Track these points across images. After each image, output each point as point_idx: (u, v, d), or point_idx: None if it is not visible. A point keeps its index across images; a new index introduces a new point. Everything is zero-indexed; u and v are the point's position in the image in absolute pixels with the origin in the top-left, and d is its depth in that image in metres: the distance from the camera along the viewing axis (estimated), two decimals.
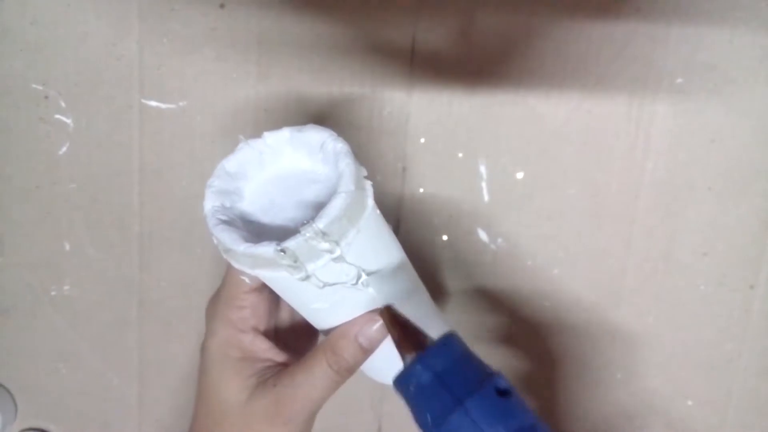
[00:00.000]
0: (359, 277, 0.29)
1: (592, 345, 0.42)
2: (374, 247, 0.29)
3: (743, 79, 0.39)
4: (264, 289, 0.33)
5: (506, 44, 0.39)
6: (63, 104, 0.41)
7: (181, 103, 0.41)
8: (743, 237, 0.40)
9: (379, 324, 0.30)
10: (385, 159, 0.40)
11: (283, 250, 0.26)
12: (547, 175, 0.40)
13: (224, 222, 0.29)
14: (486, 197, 0.41)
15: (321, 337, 0.33)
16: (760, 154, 0.39)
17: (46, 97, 0.41)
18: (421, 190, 0.41)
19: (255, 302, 0.32)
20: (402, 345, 0.29)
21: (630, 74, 0.39)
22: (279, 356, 0.32)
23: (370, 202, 0.29)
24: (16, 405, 0.46)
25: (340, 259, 0.27)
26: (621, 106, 0.39)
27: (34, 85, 0.41)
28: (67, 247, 0.43)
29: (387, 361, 0.34)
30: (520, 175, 0.40)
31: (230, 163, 0.30)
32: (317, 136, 0.29)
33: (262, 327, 0.33)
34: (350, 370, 0.31)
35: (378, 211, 0.29)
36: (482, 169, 0.40)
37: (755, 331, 0.41)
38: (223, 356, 0.32)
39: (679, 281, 0.41)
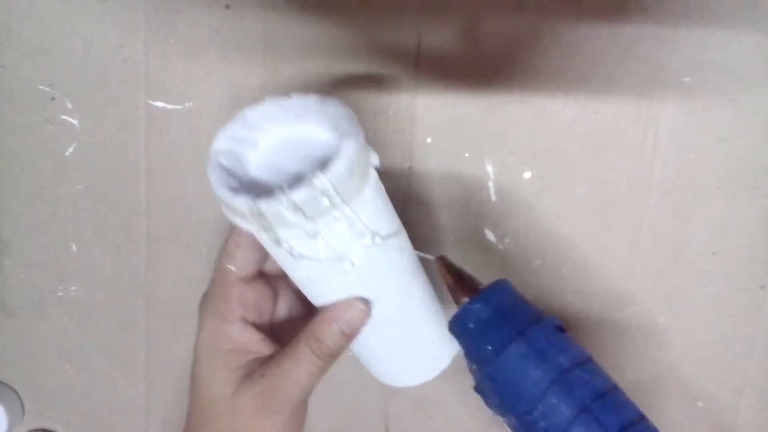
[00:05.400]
0: (340, 260, 0.28)
1: (600, 345, 0.42)
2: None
3: (752, 77, 0.38)
4: (253, 280, 0.32)
5: (512, 44, 0.38)
6: (69, 105, 0.41)
7: (187, 104, 0.41)
8: (753, 236, 0.40)
9: (359, 310, 0.30)
10: (391, 159, 0.40)
11: (257, 209, 0.25)
12: (554, 175, 0.40)
13: (223, 167, 0.28)
14: (493, 197, 0.41)
15: None
16: None
17: (53, 99, 0.41)
18: (428, 189, 0.41)
19: (242, 292, 0.32)
20: (456, 290, 0.30)
21: (637, 74, 0.39)
22: (269, 348, 0.32)
23: (367, 189, 0.27)
24: (23, 405, 0.46)
25: (315, 234, 0.26)
26: (629, 105, 0.39)
27: (40, 87, 0.41)
28: (74, 248, 0.43)
29: (404, 350, 0.34)
30: (527, 175, 0.40)
31: (252, 112, 0.29)
32: (337, 111, 0.28)
33: (251, 318, 0.32)
34: (333, 355, 0.30)
35: (380, 201, 0.28)
36: (489, 168, 0.40)
37: (766, 331, 0.41)
38: (211, 348, 0.32)
39: (688, 281, 0.41)
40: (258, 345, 0.32)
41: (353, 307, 0.30)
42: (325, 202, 0.25)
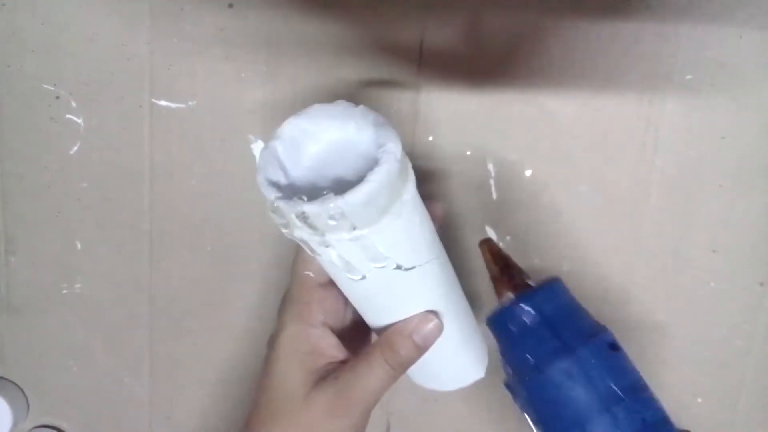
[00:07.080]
0: (352, 270, 0.29)
1: None
2: (405, 239, 0.29)
3: (753, 75, 0.38)
4: (330, 285, 0.33)
5: (514, 42, 0.39)
6: (74, 104, 0.41)
7: (190, 103, 0.41)
8: (753, 234, 0.40)
9: (433, 323, 0.31)
10: None
11: (276, 205, 0.26)
12: (555, 173, 0.40)
13: (276, 157, 0.29)
14: (494, 195, 0.41)
15: (374, 337, 0.34)
16: None
17: (57, 97, 0.41)
18: (430, 187, 0.41)
19: (322, 298, 0.33)
20: (501, 281, 0.27)
21: (639, 71, 0.39)
22: (342, 353, 0.33)
23: (387, 220, 0.28)
24: (27, 402, 0.46)
25: (327, 245, 0.27)
26: (630, 103, 0.39)
27: (45, 86, 0.41)
28: (79, 245, 0.43)
29: (438, 367, 0.35)
30: (528, 173, 0.40)
31: (321, 110, 0.30)
32: (389, 137, 0.28)
33: (330, 323, 0.34)
34: (404, 365, 0.32)
35: (403, 233, 0.29)
36: (490, 166, 0.40)
37: (765, 328, 0.41)
38: (291, 349, 0.33)
39: (688, 278, 0.41)
40: (334, 349, 0.33)
41: (428, 320, 0.31)
42: (333, 222, 0.26)
